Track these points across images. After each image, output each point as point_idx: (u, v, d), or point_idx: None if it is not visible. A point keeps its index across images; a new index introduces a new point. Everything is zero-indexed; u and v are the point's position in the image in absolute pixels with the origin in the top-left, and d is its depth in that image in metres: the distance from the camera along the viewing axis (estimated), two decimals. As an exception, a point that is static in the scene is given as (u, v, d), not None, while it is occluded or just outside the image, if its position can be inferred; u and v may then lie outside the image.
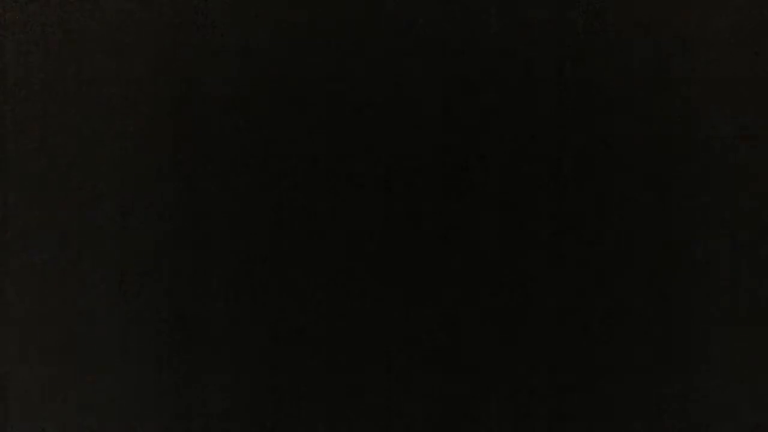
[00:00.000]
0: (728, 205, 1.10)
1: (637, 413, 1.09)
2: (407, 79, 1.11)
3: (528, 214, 1.10)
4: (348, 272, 1.10)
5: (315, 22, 1.11)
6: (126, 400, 1.10)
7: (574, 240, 1.10)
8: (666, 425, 1.09)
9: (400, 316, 1.10)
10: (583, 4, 1.10)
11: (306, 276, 1.10)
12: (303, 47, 1.11)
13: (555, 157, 1.10)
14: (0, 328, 1.11)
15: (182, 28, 1.12)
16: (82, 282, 1.11)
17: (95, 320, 1.11)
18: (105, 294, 1.11)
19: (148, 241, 1.11)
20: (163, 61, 1.12)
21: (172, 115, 1.11)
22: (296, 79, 1.11)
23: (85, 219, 1.11)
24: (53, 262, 1.11)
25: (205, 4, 1.12)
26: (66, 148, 1.11)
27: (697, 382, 1.09)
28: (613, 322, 1.09)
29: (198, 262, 1.11)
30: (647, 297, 1.09)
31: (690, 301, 1.10)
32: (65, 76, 1.12)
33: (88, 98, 1.12)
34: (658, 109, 1.10)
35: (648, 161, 1.10)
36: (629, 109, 1.10)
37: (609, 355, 1.09)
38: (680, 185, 1.10)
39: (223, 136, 1.11)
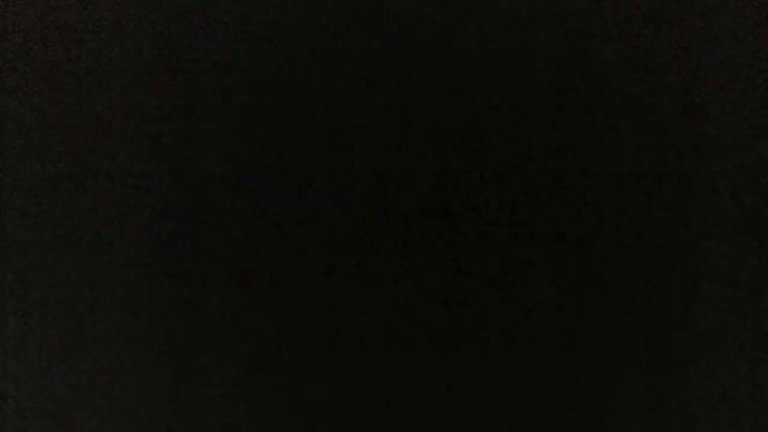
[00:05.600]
0: (728, 205, 1.10)
1: (637, 413, 1.09)
2: (407, 78, 1.11)
3: (528, 214, 1.10)
4: (347, 272, 1.10)
5: (315, 21, 1.11)
6: (126, 401, 1.11)
7: (574, 240, 1.10)
8: (666, 425, 1.09)
9: (399, 315, 1.10)
10: (584, 4, 1.11)
11: (306, 275, 1.10)
12: (303, 45, 1.11)
13: (554, 157, 1.10)
14: (0, 328, 1.11)
15: (182, 28, 1.12)
16: (82, 281, 1.11)
17: (95, 320, 1.11)
18: (105, 293, 1.11)
19: (147, 241, 1.11)
20: (163, 61, 1.12)
21: (171, 115, 1.11)
22: (296, 76, 1.11)
23: (85, 218, 1.11)
24: (53, 262, 1.11)
25: (205, 4, 1.12)
26: (66, 147, 1.11)
27: (696, 382, 1.09)
28: (613, 323, 1.09)
29: (198, 261, 1.11)
30: (647, 297, 1.10)
31: (690, 301, 1.10)
32: (65, 76, 1.12)
33: (89, 98, 1.12)
34: (658, 109, 1.10)
35: (648, 162, 1.10)
36: (629, 109, 1.10)
37: (609, 356, 1.09)
38: (681, 185, 1.10)
39: (224, 136, 1.11)
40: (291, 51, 1.12)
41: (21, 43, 1.12)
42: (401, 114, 1.11)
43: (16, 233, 1.11)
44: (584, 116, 1.10)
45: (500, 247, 1.10)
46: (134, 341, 1.11)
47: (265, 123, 1.12)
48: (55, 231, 1.11)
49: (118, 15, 1.12)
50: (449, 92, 1.11)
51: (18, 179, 1.12)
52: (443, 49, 1.11)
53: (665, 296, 1.10)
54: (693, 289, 1.10)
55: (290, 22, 1.12)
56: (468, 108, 1.11)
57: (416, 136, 1.11)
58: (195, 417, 1.10)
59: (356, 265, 1.10)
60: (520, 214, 1.10)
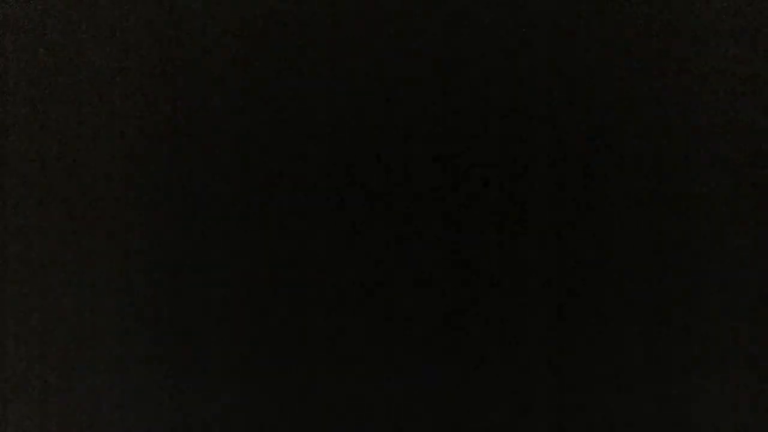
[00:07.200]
0: (728, 205, 1.10)
1: (637, 413, 1.09)
2: (406, 78, 1.11)
3: (528, 214, 1.10)
4: (348, 273, 1.10)
5: (315, 20, 1.11)
6: (126, 401, 1.11)
7: (574, 240, 1.10)
8: (666, 425, 1.09)
9: (400, 316, 1.10)
10: (584, 4, 1.11)
11: (307, 275, 1.10)
12: (303, 44, 1.11)
13: (555, 156, 1.10)
14: (0, 328, 1.11)
15: (182, 28, 1.12)
16: (82, 282, 1.11)
17: (95, 320, 1.11)
18: (105, 294, 1.11)
19: (148, 241, 1.11)
20: (163, 61, 1.12)
21: (171, 115, 1.11)
22: (297, 75, 1.11)
23: (85, 219, 1.11)
24: (53, 262, 1.11)
25: (205, 3, 1.12)
26: (66, 148, 1.12)
27: (697, 382, 1.09)
28: (613, 322, 1.09)
29: (199, 262, 1.11)
30: (647, 296, 1.10)
31: (690, 300, 1.10)
32: (65, 76, 1.12)
33: (88, 98, 1.12)
34: (658, 109, 1.10)
35: (647, 161, 1.10)
36: (629, 108, 1.10)
37: (609, 356, 1.09)
38: (680, 184, 1.10)
39: (224, 136, 1.11)
40: (291, 51, 1.12)
41: (21, 43, 1.12)
42: (401, 114, 1.11)
43: (17, 233, 1.11)
44: (584, 116, 1.10)
45: (500, 248, 1.10)
46: (135, 342, 1.11)
47: (266, 123, 1.12)
48: (56, 231, 1.11)
49: (118, 15, 1.12)
50: (448, 92, 1.11)
51: (18, 179, 1.12)
52: (442, 49, 1.11)
53: (667, 299, 1.10)
54: (694, 290, 1.10)
55: (290, 21, 1.12)
56: (467, 108, 1.11)
57: (415, 137, 1.11)
58: (195, 417, 1.11)
59: (356, 265, 1.10)
60: (521, 214, 1.10)
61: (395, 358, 1.10)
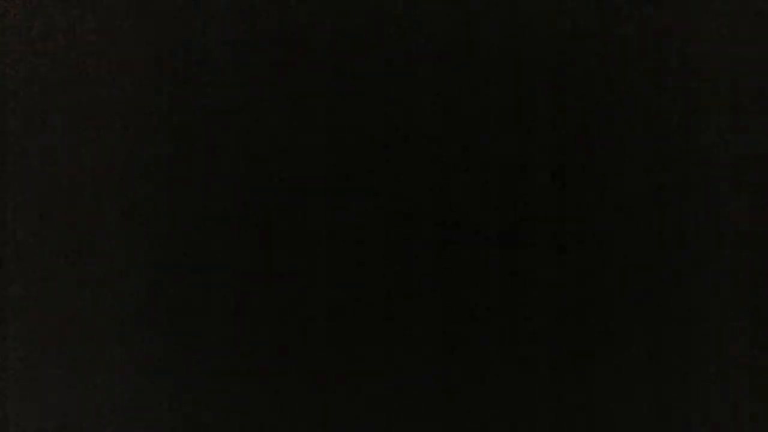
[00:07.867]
0: (728, 204, 1.10)
1: (637, 413, 1.09)
2: (406, 78, 1.11)
3: (528, 214, 1.10)
4: (348, 273, 1.10)
5: (316, 20, 1.11)
6: (125, 401, 1.11)
7: (575, 240, 1.10)
8: (666, 425, 1.09)
9: (400, 315, 1.10)
10: (584, 4, 1.11)
11: (308, 275, 1.10)
12: (303, 44, 1.11)
13: (554, 156, 1.10)
14: (0, 328, 1.11)
15: (183, 28, 1.12)
16: (82, 282, 1.11)
17: (95, 320, 1.11)
18: (105, 294, 1.11)
19: (148, 241, 1.11)
20: (164, 62, 1.12)
21: (172, 115, 1.11)
22: (297, 75, 1.11)
23: (85, 219, 1.11)
24: (53, 262, 1.11)
25: (206, 4, 1.12)
26: (66, 148, 1.12)
27: (697, 382, 1.09)
28: (613, 323, 1.09)
29: (199, 262, 1.11)
30: (647, 297, 1.09)
31: (690, 301, 1.10)
32: (65, 76, 1.12)
33: (88, 98, 1.12)
34: (658, 109, 1.10)
35: (648, 161, 1.10)
36: (629, 108, 1.10)
37: (609, 355, 1.09)
38: (680, 184, 1.10)
39: (225, 136, 1.11)
40: (292, 50, 1.12)
41: (21, 43, 1.13)
42: (401, 114, 1.11)
43: (17, 233, 1.11)
44: (583, 115, 1.10)
45: (501, 248, 1.10)
46: (134, 342, 1.11)
47: (266, 123, 1.12)
48: (56, 231, 1.11)
49: (119, 15, 1.12)
50: (448, 91, 1.11)
51: (18, 179, 1.12)
52: (443, 50, 1.11)
53: (667, 299, 1.10)
54: (694, 290, 1.10)
55: (290, 21, 1.12)
56: (468, 109, 1.11)
57: (416, 137, 1.11)
58: (195, 417, 1.11)
59: (356, 265, 1.10)
60: (521, 214, 1.10)
61: (395, 358, 1.10)
